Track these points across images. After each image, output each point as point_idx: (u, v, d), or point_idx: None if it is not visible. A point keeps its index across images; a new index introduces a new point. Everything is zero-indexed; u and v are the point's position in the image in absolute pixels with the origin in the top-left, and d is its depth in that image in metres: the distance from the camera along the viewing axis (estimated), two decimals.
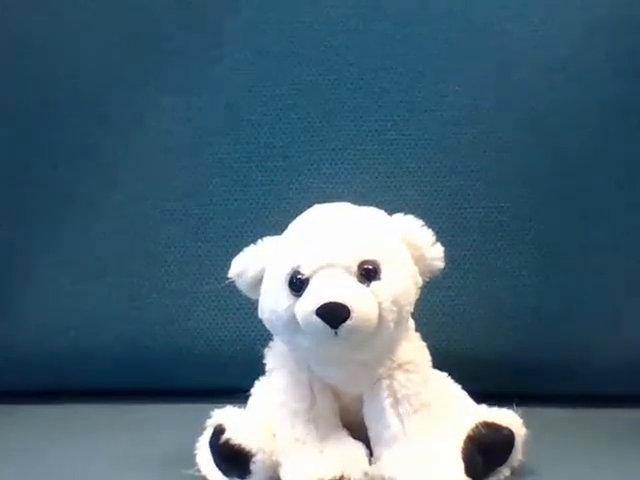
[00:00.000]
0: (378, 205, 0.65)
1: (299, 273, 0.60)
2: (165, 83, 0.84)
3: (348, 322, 0.57)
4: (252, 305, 0.64)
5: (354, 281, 0.59)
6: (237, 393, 0.67)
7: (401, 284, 0.60)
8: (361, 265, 0.59)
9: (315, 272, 0.59)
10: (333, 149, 0.81)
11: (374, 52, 0.81)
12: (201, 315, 0.81)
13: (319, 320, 0.57)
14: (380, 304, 0.59)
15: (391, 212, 0.64)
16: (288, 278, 0.60)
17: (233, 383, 0.68)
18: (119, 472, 0.66)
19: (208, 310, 0.81)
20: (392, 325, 0.59)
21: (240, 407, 0.65)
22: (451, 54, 0.81)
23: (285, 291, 0.60)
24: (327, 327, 0.57)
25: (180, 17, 0.84)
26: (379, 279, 0.59)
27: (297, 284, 0.59)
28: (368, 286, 0.59)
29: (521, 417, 0.63)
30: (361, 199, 0.65)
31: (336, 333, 0.57)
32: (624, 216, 0.79)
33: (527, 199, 0.79)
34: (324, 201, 0.65)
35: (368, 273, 0.59)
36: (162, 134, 0.83)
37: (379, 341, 0.60)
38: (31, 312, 0.84)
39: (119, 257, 0.83)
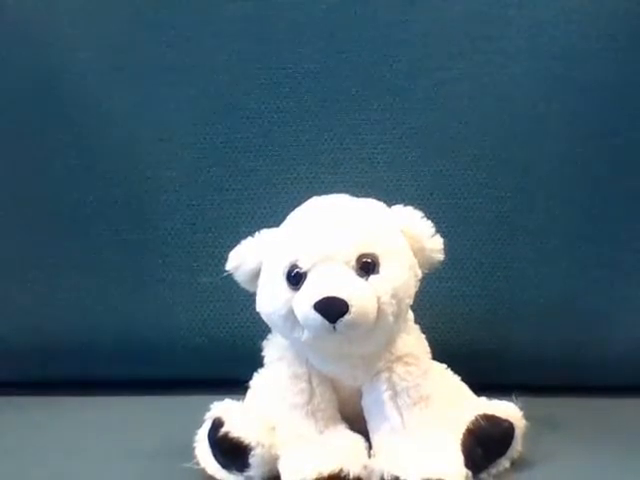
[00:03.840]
0: (377, 195, 0.64)
1: (297, 267, 0.59)
2: (163, 72, 0.83)
3: (346, 317, 0.57)
4: (251, 297, 0.64)
5: (353, 275, 0.58)
6: (236, 384, 0.66)
7: (400, 277, 0.60)
8: (360, 259, 0.59)
9: (313, 266, 0.59)
10: (332, 138, 0.80)
11: (374, 40, 0.80)
12: (199, 307, 0.81)
13: (317, 315, 0.57)
14: (379, 298, 0.58)
15: (390, 202, 0.64)
16: (286, 271, 0.60)
17: (232, 374, 0.68)
18: (117, 464, 0.66)
19: (206, 302, 0.81)
20: (391, 319, 0.59)
21: (239, 399, 0.65)
22: (451, 41, 0.80)
23: (283, 285, 0.60)
24: (325, 322, 0.57)
25: (178, 5, 0.83)
26: (378, 272, 0.59)
27: (295, 278, 0.59)
28: (367, 280, 0.59)
29: (521, 409, 0.62)
30: (360, 189, 0.65)
31: (334, 328, 0.57)
32: (624, 207, 0.79)
33: (527, 190, 0.79)
34: (323, 191, 0.64)
35: (367, 267, 0.59)
36: (159, 123, 0.82)
37: (378, 335, 0.60)
38: (29, 305, 0.83)
39: (116, 249, 0.82)
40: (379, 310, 0.58)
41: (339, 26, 0.81)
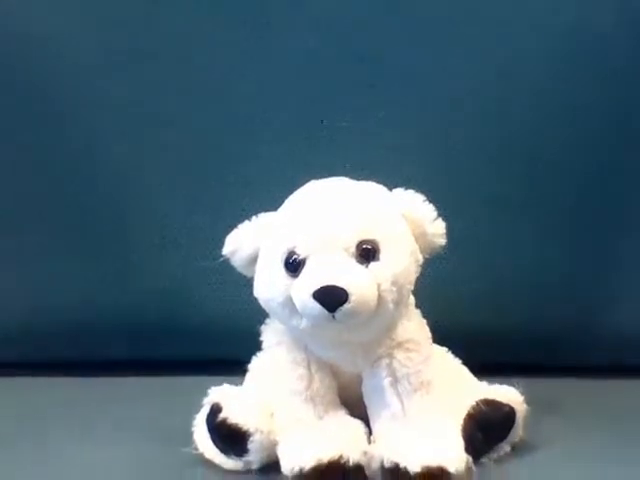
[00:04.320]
0: (378, 180, 0.63)
1: (295, 253, 0.58)
2: (160, 58, 0.81)
3: (346, 306, 0.56)
4: (249, 280, 0.63)
5: (352, 262, 0.57)
6: (234, 365, 0.66)
7: (401, 263, 0.58)
8: (359, 245, 0.58)
9: (312, 252, 0.58)
10: (330, 121, 0.79)
11: (374, 25, 0.79)
12: (198, 289, 0.80)
13: (316, 304, 0.56)
14: (379, 285, 0.57)
15: (391, 186, 0.63)
16: (284, 258, 0.59)
17: (230, 356, 0.68)
18: (115, 449, 0.65)
19: (205, 285, 0.80)
20: (392, 306, 0.58)
21: (237, 381, 0.64)
22: (453, 25, 0.79)
23: (281, 271, 0.59)
24: (324, 311, 0.56)
25: None
26: (378, 259, 0.58)
27: (293, 265, 0.58)
28: (367, 267, 0.58)
29: (522, 393, 0.62)
30: (360, 173, 0.63)
31: (334, 317, 0.56)
32: (624, 189, 0.78)
33: (528, 174, 0.78)
34: (321, 174, 0.63)
35: (367, 253, 0.58)
36: (157, 109, 0.81)
37: (378, 322, 0.59)
38: (29, 286, 0.83)
39: (115, 232, 0.82)
40: (379, 298, 0.57)
41: (340, 11, 0.79)
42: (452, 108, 0.78)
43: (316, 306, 0.56)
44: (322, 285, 0.56)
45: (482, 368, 0.66)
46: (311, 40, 0.79)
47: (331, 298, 0.56)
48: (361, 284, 0.57)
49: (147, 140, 0.81)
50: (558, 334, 0.78)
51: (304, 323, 0.58)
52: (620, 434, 0.66)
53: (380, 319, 0.59)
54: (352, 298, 0.56)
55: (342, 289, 0.56)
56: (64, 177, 0.82)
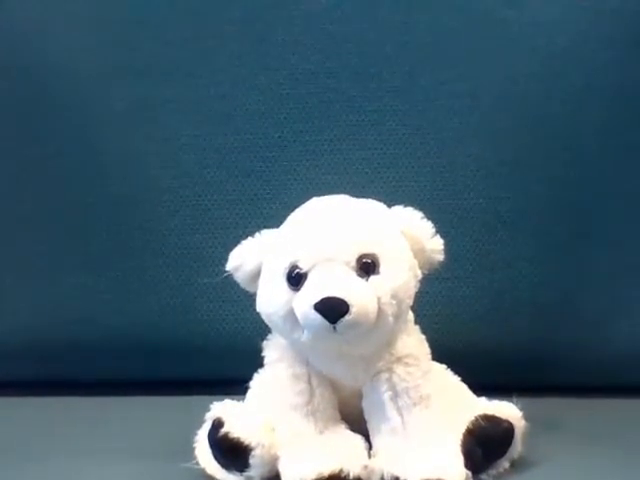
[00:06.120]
0: (377, 196, 0.64)
1: (297, 267, 0.59)
2: (163, 72, 0.83)
3: (347, 317, 0.57)
4: (251, 297, 0.64)
5: (353, 275, 0.58)
6: (236, 384, 0.66)
7: (400, 278, 0.59)
8: (360, 259, 0.59)
9: (313, 266, 0.59)
10: (331, 139, 0.80)
11: (373, 40, 0.81)
12: (199, 307, 0.81)
13: (317, 315, 0.57)
14: (379, 298, 0.58)
15: (390, 203, 0.64)
16: (286, 272, 0.60)
17: (232, 374, 0.68)
18: (116, 464, 0.66)
19: (206, 302, 0.81)
20: (391, 319, 0.59)
21: (239, 399, 0.65)
22: (450, 42, 0.80)
23: (283, 285, 0.60)
24: (325, 322, 0.57)
25: (178, 5, 0.83)
26: (378, 273, 0.59)
27: (295, 278, 0.59)
28: (367, 280, 0.59)
29: (521, 409, 0.62)
30: (360, 190, 0.65)
31: (335, 328, 0.57)
32: (624, 206, 0.79)
33: (527, 190, 0.79)
34: (322, 192, 0.64)
35: (367, 267, 0.59)
36: (159, 124, 0.82)
37: (378, 335, 0.60)
38: (30, 305, 0.84)
39: (116, 249, 0.82)
40: (379, 310, 0.58)
41: (338, 27, 0.81)
42: (450, 126, 0.79)
43: (317, 317, 0.57)
44: (323, 297, 0.57)
45: (481, 387, 0.66)
46: (313, 57, 0.81)
47: (332, 309, 0.57)
48: (361, 296, 0.58)
49: (148, 156, 0.82)
50: (558, 353, 0.78)
51: (305, 336, 0.59)
52: (619, 453, 0.66)
53: (380, 332, 0.59)
54: (353, 310, 0.57)
55: (343, 301, 0.57)
56: (63, 195, 0.83)
